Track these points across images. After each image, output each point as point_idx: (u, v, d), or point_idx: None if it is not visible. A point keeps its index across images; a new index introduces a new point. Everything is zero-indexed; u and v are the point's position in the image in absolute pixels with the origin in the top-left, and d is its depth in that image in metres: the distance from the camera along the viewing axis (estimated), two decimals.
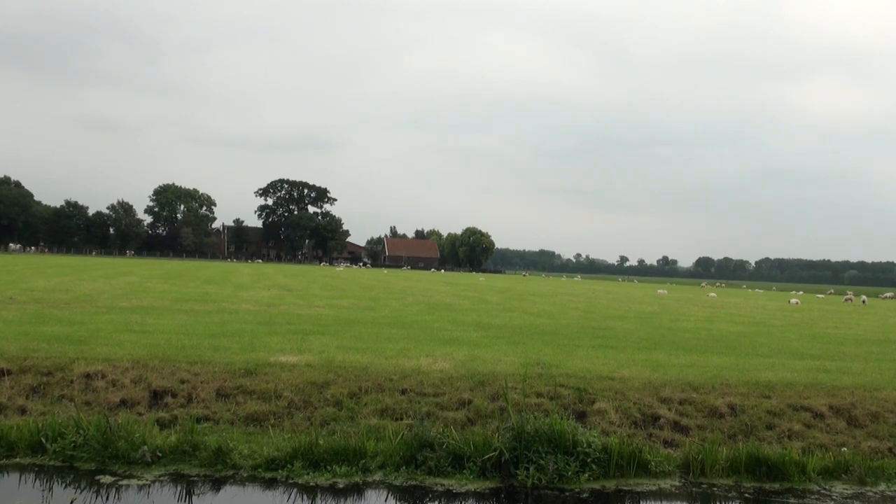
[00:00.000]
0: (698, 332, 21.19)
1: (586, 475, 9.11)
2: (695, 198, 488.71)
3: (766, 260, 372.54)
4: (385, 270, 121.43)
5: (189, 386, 10.79)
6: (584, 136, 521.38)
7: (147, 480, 8.59)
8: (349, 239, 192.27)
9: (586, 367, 12.94)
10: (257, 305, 24.15)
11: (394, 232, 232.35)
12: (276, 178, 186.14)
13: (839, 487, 9.39)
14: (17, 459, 9.09)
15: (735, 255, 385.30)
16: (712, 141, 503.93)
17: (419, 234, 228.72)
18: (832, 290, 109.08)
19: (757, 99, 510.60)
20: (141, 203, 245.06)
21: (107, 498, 8.16)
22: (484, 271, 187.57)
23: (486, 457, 9.16)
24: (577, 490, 8.91)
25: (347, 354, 13.12)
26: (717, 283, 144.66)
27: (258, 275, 58.53)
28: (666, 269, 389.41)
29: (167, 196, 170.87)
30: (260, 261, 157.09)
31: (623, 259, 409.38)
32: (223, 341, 14.21)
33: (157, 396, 10.60)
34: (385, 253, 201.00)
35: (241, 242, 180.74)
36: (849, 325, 28.31)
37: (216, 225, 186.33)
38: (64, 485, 8.48)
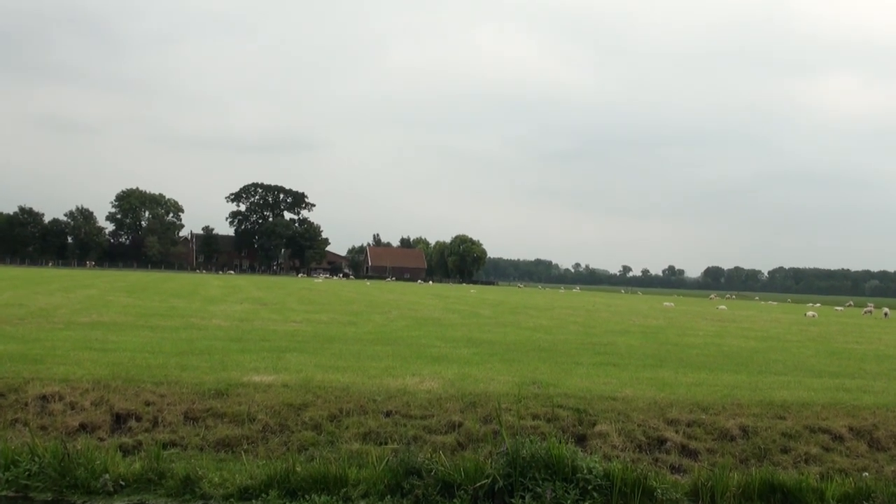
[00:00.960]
0: (707, 348, 21.26)
1: None
2: (703, 202, 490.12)
3: (781, 270, 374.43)
4: (368, 282, 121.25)
5: (154, 408, 10.74)
6: (583, 136, 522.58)
7: None
8: (329, 248, 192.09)
9: (586, 386, 12.96)
10: (229, 321, 24.06)
11: (377, 240, 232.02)
12: (250, 181, 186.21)
13: None
14: None
15: (747, 265, 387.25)
16: (722, 141, 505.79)
17: (405, 243, 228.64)
18: (851, 303, 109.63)
19: (769, 95, 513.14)
20: (102, 209, 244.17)
21: None
22: (475, 283, 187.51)
23: (478, 484, 9.15)
24: None
25: (327, 374, 13.09)
26: (728, 295, 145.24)
27: (230, 287, 58.30)
28: (672, 280, 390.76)
29: (131, 202, 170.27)
30: (232, 272, 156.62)
31: (626, 269, 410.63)
32: (191, 360, 14.16)
33: (119, 420, 10.54)
34: (368, 263, 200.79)
35: (211, 252, 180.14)
36: (870, 339, 28.47)
37: (184, 233, 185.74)
38: None
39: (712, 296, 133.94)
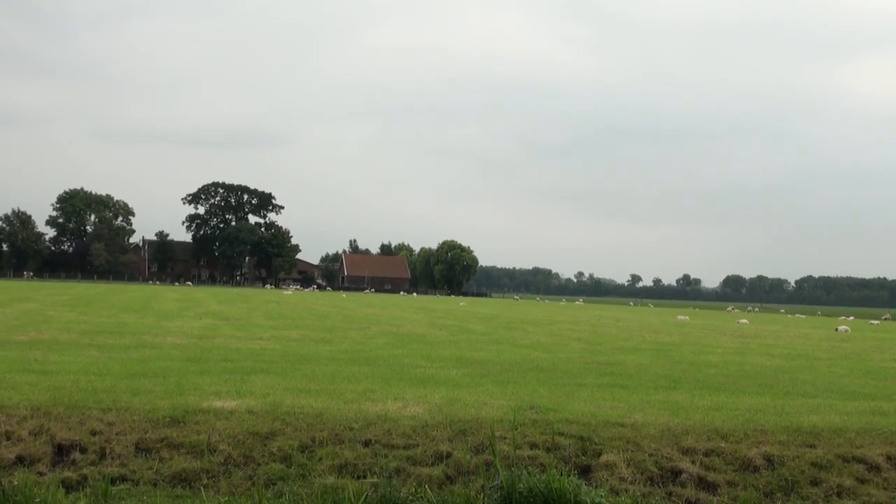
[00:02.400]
0: (727, 367, 21.32)
1: None
2: (722, 203, 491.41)
3: (809, 279, 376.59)
4: (344, 294, 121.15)
5: (102, 438, 10.69)
6: (585, 127, 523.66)
7: None
8: (299, 256, 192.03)
9: (591, 410, 12.97)
10: (186, 338, 23.98)
11: (354, 247, 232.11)
12: (209, 180, 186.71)
13: None
14: None
15: (771, 273, 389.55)
16: (743, 132, 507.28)
17: (385, 250, 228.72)
18: (888, 315, 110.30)
19: (799, 81, 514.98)
20: (42, 213, 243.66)
21: None
22: (465, 294, 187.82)
23: None
24: None
25: (298, 398, 13.06)
26: (750, 308, 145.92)
27: (187, 300, 58.10)
28: (688, 291, 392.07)
29: (74, 204, 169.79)
30: (189, 283, 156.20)
31: (635, 278, 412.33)
32: (144, 383, 14.10)
33: (62, 452, 10.48)
34: (343, 273, 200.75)
35: (165, 261, 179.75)
36: None
37: (135, 239, 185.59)
38: None
39: (730, 308, 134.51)
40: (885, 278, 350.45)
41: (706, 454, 11.15)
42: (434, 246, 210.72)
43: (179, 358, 18.41)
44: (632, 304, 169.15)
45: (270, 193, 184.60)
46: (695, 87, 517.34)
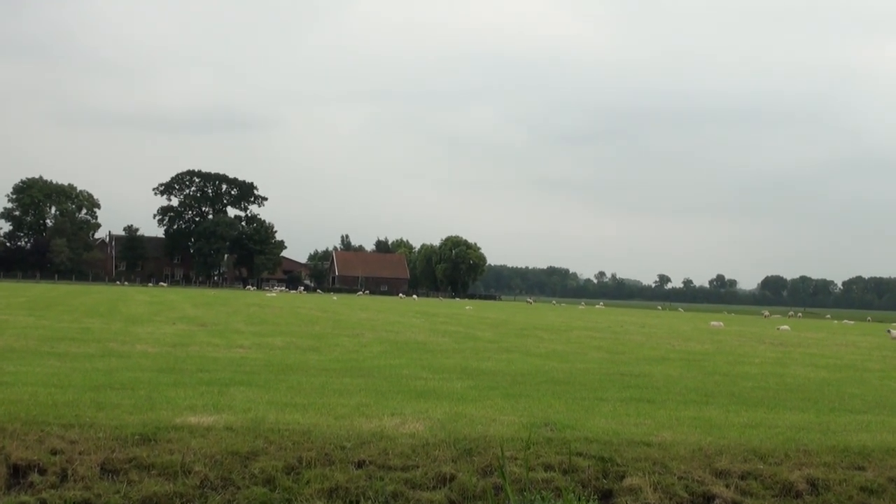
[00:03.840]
0: (766, 380, 21.31)
1: None
2: (759, 196, 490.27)
3: (858, 280, 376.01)
4: (335, 296, 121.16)
5: (63, 458, 10.69)
6: (606, 113, 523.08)
7: None
8: (285, 253, 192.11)
9: (613, 428, 12.96)
10: (158, 346, 24.01)
11: (346, 243, 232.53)
12: (183, 169, 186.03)
13: None
14: None
15: (815, 274, 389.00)
16: (783, 118, 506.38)
17: (381, 247, 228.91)
18: None
19: (843, 59, 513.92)
20: None
21: None
22: (472, 297, 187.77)
23: None
24: None
25: (282, 413, 13.06)
26: (791, 313, 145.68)
27: (159, 303, 58.12)
28: (722, 293, 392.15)
29: (32, 195, 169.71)
30: (163, 284, 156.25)
31: (662, 279, 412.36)
32: (110, 396, 14.10)
33: (18, 473, 10.49)
34: (334, 272, 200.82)
35: (134, 259, 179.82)
36: None
37: (100, 234, 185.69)
38: None
39: (765, 313, 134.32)
40: None
41: (742, 477, 11.14)
42: (436, 242, 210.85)
43: (150, 368, 18.42)
44: (660, 308, 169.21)
45: (252, 183, 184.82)
46: (727, 68, 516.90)
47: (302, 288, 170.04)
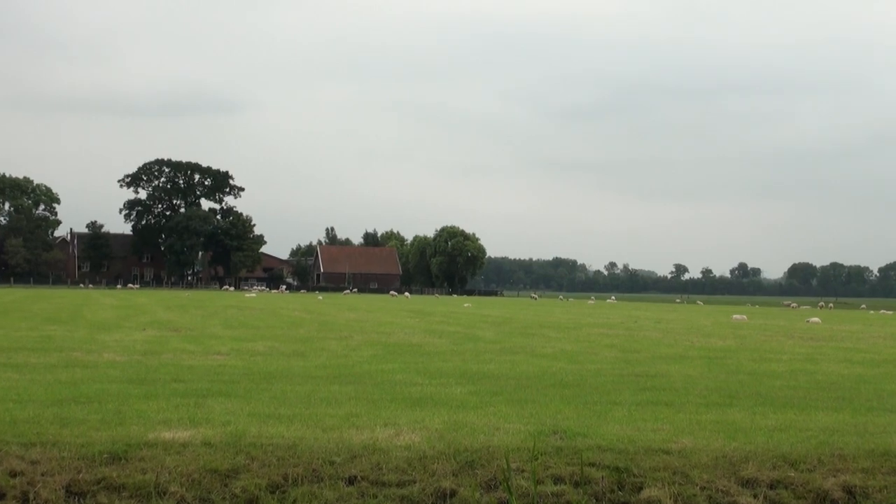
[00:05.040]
0: (795, 378, 21.31)
1: None
2: (785, 174, 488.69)
3: None
4: (320, 295, 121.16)
5: (24, 480, 10.68)
6: (616, 85, 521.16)
7: None
8: (264, 249, 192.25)
9: (628, 435, 12.96)
10: (127, 354, 23.98)
11: (332, 237, 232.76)
12: (151, 157, 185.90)
13: None
14: None
15: (848, 261, 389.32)
16: (811, 85, 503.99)
17: (370, 240, 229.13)
18: None
19: (882, 20, 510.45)
20: None
21: None
22: (470, 293, 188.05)
23: None
24: None
25: (265, 426, 13.05)
26: (822, 303, 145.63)
27: (128, 307, 58.08)
28: (745, 284, 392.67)
29: None
30: (132, 285, 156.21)
31: (679, 269, 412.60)
32: (75, 411, 14.08)
33: None
34: (319, 269, 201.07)
35: (99, 259, 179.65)
36: None
37: (61, 232, 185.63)
38: None
39: (793, 304, 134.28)
40: None
41: (771, 486, 11.15)
42: (430, 233, 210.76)
43: (119, 379, 18.39)
44: (678, 300, 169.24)
45: (227, 172, 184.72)
46: (751, 31, 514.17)
47: (285, 287, 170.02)
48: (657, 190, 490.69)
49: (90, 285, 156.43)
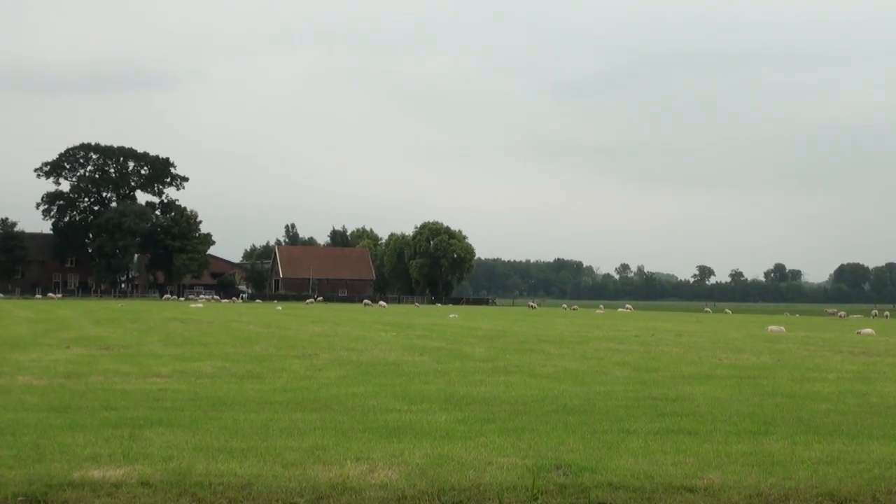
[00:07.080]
0: (844, 401, 21.38)
1: None
2: (829, 158, 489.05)
3: None
4: (279, 305, 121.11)
5: None
6: (625, 54, 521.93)
7: None
8: (212, 250, 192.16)
9: (645, 469, 12.98)
10: (47, 377, 23.94)
11: (292, 235, 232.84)
12: (76, 142, 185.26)
13: None
14: None
15: None
16: (854, 56, 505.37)
17: (338, 239, 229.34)
18: None
19: None
20: None
21: None
22: (457, 301, 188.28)
23: None
24: None
25: (214, 461, 13.03)
26: (875, 312, 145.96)
27: (47, 321, 57.96)
28: (782, 289, 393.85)
29: None
30: (53, 295, 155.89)
31: (704, 272, 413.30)
32: None
33: None
34: (278, 274, 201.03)
35: (12, 263, 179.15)
36: None
37: None
38: None
39: (839, 312, 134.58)
40: None
41: None
42: (409, 231, 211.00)
43: (37, 406, 18.36)
44: (707, 309, 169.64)
45: (168, 159, 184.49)
46: None
47: (241, 296, 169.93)
48: (674, 177, 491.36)
49: (1, 295, 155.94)
